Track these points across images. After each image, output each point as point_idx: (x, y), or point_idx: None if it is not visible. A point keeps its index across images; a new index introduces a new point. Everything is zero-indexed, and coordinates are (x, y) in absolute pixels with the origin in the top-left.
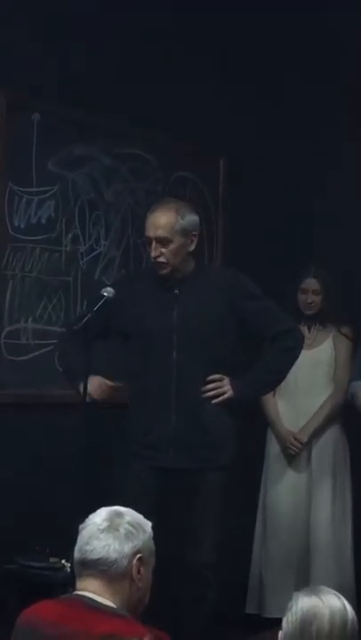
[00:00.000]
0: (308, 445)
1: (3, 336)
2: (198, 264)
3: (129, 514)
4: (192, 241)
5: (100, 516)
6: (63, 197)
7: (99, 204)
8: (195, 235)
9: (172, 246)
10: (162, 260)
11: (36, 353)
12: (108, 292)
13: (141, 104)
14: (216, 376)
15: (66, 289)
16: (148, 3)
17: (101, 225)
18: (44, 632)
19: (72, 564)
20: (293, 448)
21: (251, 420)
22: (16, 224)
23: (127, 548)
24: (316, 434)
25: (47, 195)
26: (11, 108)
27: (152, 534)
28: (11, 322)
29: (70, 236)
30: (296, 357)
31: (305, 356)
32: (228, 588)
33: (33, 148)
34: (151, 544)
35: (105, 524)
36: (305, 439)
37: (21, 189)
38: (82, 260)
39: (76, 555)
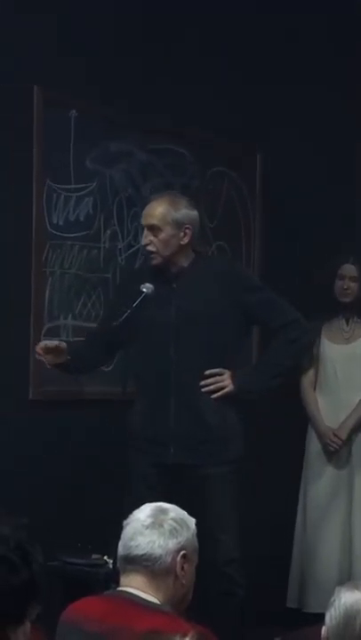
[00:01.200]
0: (348, 441)
1: (43, 333)
2: (197, 258)
3: (173, 510)
4: (185, 234)
5: (144, 513)
6: (101, 194)
7: (136, 200)
8: (188, 228)
9: (162, 235)
10: (151, 248)
11: None
12: (147, 287)
13: (177, 100)
14: (215, 370)
15: (105, 285)
16: (181, 2)
17: (139, 221)
18: (88, 628)
19: (115, 560)
20: (333, 445)
21: (292, 417)
22: (55, 221)
23: (171, 544)
24: (356, 429)
25: (85, 191)
26: (47, 106)
27: (195, 531)
28: (50, 319)
29: (109, 232)
30: (302, 349)
31: (343, 350)
32: (269, 583)
33: (70, 145)
34: (195, 541)
35: (149, 521)
36: (344, 436)
37: (60, 187)
38: (120, 256)
39: (121, 550)
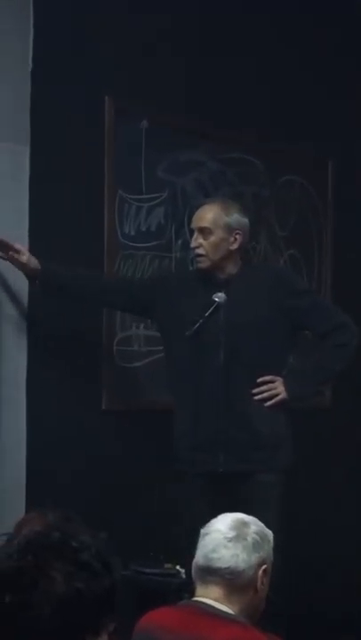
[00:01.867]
0: None
1: (115, 343)
2: (244, 264)
3: (254, 523)
4: (235, 239)
5: (225, 524)
6: (172, 204)
7: None
8: (238, 233)
9: (212, 238)
10: (200, 251)
11: (148, 359)
12: (219, 297)
13: (247, 108)
14: (267, 377)
15: None
16: (250, 7)
17: None
18: (163, 639)
19: (187, 569)
20: None
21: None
22: (126, 231)
23: (254, 558)
24: None
25: (157, 201)
26: (119, 116)
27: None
28: (123, 329)
29: (180, 242)
30: (350, 353)
31: None
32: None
33: (142, 155)
34: (272, 554)
35: (232, 533)
36: None
37: (131, 197)
38: (192, 266)
39: (201, 561)
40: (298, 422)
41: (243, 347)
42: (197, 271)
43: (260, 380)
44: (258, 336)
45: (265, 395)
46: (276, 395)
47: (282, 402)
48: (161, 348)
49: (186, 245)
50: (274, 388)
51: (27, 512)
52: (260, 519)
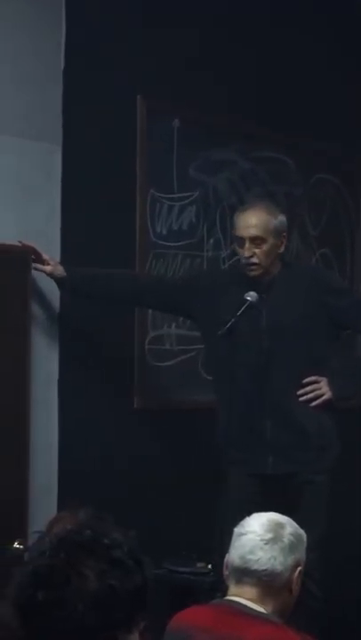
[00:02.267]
0: None
1: (147, 342)
2: (284, 265)
3: (289, 523)
4: (282, 242)
5: (260, 525)
6: (204, 203)
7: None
8: (285, 236)
9: (265, 246)
10: (255, 260)
11: (180, 358)
12: (251, 296)
13: (279, 106)
14: (312, 378)
15: None
16: (283, 5)
17: None
18: (196, 637)
19: (219, 567)
20: None
21: None
22: (158, 230)
23: (290, 560)
24: None
25: (188, 200)
26: (151, 115)
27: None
28: (154, 328)
29: (212, 241)
30: None
31: None
32: None
33: (174, 155)
34: (305, 554)
35: (269, 535)
36: None
37: (163, 196)
38: (224, 265)
39: (237, 562)
40: (341, 422)
41: (286, 348)
42: (244, 275)
43: (305, 381)
44: (300, 336)
45: (310, 395)
46: (322, 395)
47: (327, 402)
48: (192, 347)
49: (217, 244)
50: (318, 389)
51: (58, 511)
52: (308, 520)
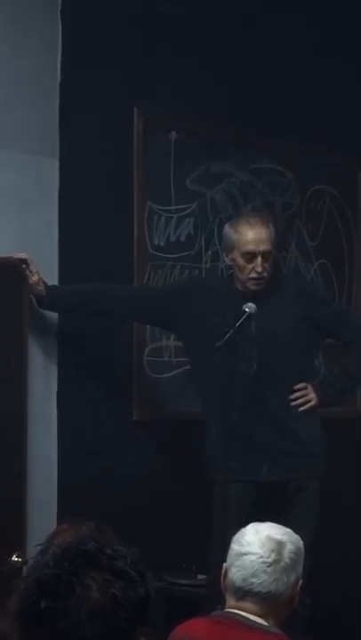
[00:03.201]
0: None
1: (145, 354)
2: (272, 275)
3: (289, 541)
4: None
5: (261, 545)
6: (202, 214)
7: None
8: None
9: (270, 259)
10: (265, 275)
11: (179, 370)
12: (250, 307)
13: (277, 118)
14: (301, 384)
15: None
16: (279, 14)
17: None
18: None
19: (213, 580)
20: None
21: None
22: (156, 242)
23: (292, 577)
24: None
25: (186, 212)
26: (148, 127)
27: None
28: (153, 339)
29: (210, 252)
30: None
31: None
32: None
33: (171, 167)
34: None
35: (272, 558)
36: None
37: (160, 208)
38: (222, 276)
39: (240, 583)
40: (328, 431)
41: (276, 357)
42: (232, 286)
43: (295, 387)
44: (289, 346)
45: (300, 401)
46: (309, 400)
47: (314, 408)
48: (187, 358)
49: (215, 256)
50: (306, 395)
51: (58, 524)
52: (299, 526)
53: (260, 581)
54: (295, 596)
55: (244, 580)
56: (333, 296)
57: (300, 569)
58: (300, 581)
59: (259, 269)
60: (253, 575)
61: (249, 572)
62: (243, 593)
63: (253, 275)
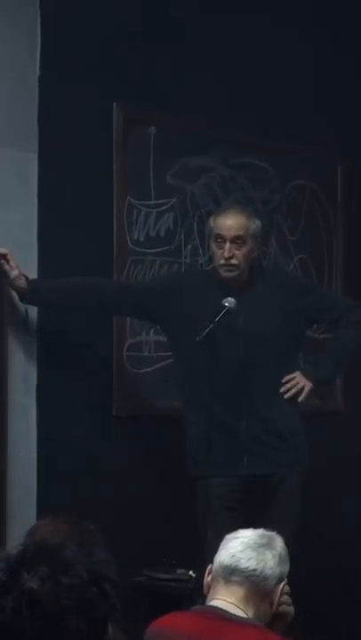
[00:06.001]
0: None
1: (125, 349)
2: (255, 270)
3: (280, 539)
4: (256, 247)
5: (254, 533)
6: (182, 209)
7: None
8: (259, 241)
9: (245, 248)
10: (234, 261)
11: (159, 365)
12: (229, 302)
13: (257, 113)
14: (289, 376)
15: None
16: (257, 9)
17: None
18: None
19: (201, 572)
20: None
21: None
22: (135, 237)
23: (278, 571)
24: None
25: (166, 207)
26: (127, 123)
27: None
28: (133, 334)
29: (190, 247)
30: None
31: None
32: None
33: (150, 162)
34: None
35: (263, 541)
36: None
37: (140, 203)
38: (207, 270)
39: (227, 560)
40: (310, 425)
41: (262, 351)
42: (217, 281)
43: (284, 380)
44: (276, 340)
45: (293, 391)
46: (302, 387)
47: (311, 392)
48: (171, 353)
49: (195, 251)
50: (297, 383)
51: (38, 519)
52: (280, 520)
53: (249, 557)
54: (276, 597)
55: (232, 556)
56: (314, 284)
57: (285, 570)
58: (283, 583)
59: (226, 254)
60: (243, 551)
61: (238, 549)
62: (230, 571)
63: (222, 261)
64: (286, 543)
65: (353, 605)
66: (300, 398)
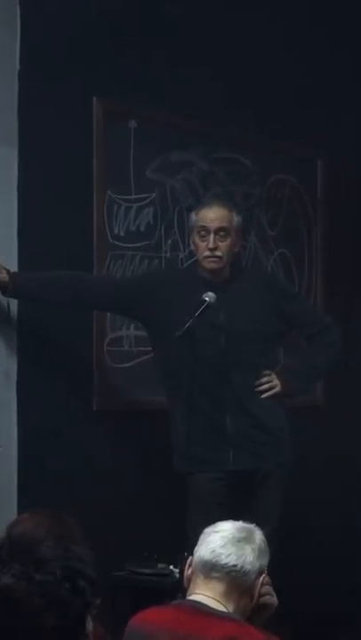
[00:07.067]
0: None
1: (106, 343)
2: (234, 266)
3: (259, 531)
4: (238, 242)
5: (233, 526)
6: (162, 204)
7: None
8: (240, 236)
9: (228, 240)
10: (218, 253)
11: (139, 360)
12: (209, 296)
13: (237, 107)
14: (267, 371)
15: None
16: (240, 5)
17: None
18: (157, 637)
19: (182, 567)
20: None
21: None
22: (116, 232)
23: (258, 564)
24: None
25: (146, 202)
26: (107, 117)
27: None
28: (113, 329)
29: (170, 242)
30: (336, 351)
31: None
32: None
33: (130, 156)
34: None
35: (243, 535)
36: None
37: (120, 197)
38: (182, 265)
39: (208, 556)
40: (291, 419)
41: (243, 346)
42: (198, 276)
43: (263, 373)
44: (256, 336)
45: (265, 386)
46: (274, 387)
47: (277, 395)
48: (151, 348)
49: (175, 245)
50: (271, 381)
51: (19, 513)
52: (263, 514)
53: (229, 553)
54: (256, 590)
55: (212, 551)
56: (298, 291)
57: (265, 563)
58: (263, 576)
59: (211, 245)
60: (223, 547)
61: (218, 544)
62: (210, 567)
63: (207, 252)
64: (268, 539)
65: (336, 600)
66: (265, 395)
